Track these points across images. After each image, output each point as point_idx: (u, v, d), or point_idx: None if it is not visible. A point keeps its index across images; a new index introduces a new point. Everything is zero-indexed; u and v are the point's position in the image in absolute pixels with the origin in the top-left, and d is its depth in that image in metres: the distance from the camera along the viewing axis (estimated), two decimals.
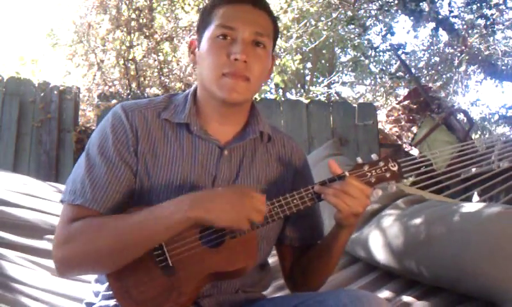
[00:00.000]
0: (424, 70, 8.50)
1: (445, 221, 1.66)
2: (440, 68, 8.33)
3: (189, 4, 6.45)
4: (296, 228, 1.27)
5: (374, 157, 1.17)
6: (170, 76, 6.26)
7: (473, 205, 1.75)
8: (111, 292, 1.11)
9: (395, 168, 1.16)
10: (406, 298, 1.66)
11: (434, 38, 7.93)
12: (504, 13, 6.85)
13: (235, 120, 1.21)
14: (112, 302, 1.12)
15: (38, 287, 1.51)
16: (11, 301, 1.38)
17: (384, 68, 8.04)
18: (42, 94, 4.66)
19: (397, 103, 6.64)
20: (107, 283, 1.13)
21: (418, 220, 1.74)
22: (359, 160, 1.17)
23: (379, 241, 1.84)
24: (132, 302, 1.05)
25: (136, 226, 1.04)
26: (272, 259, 1.34)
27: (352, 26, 6.96)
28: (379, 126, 5.74)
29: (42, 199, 2.14)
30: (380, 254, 1.82)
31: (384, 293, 1.73)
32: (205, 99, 1.18)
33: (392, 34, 6.47)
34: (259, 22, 1.14)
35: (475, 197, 3.81)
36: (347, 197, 1.08)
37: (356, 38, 8.12)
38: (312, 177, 1.31)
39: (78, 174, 1.12)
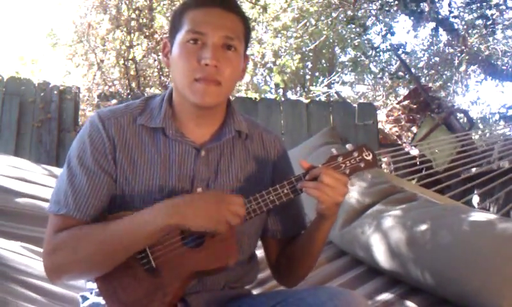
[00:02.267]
0: (424, 70, 8.50)
1: (452, 230, 1.64)
2: (439, 68, 8.33)
3: None
4: (278, 220, 1.30)
5: (348, 147, 1.19)
6: (170, 76, 6.26)
7: (482, 215, 1.72)
8: None
9: (370, 157, 1.18)
10: (390, 296, 1.68)
11: (434, 38, 7.93)
12: (504, 13, 6.85)
13: (211, 121, 1.23)
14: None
15: (37, 276, 1.52)
16: (10, 290, 1.39)
17: (384, 67, 8.03)
18: (42, 94, 4.66)
19: (397, 103, 6.64)
20: None
21: (422, 226, 1.72)
22: (333, 151, 1.19)
23: (379, 243, 1.83)
24: (120, 304, 1.09)
25: (116, 236, 1.07)
26: (259, 251, 1.36)
27: (353, 26, 6.96)
28: (379, 126, 5.73)
29: (42, 186, 2.12)
30: (380, 255, 1.81)
31: (368, 289, 1.74)
32: (180, 101, 1.20)
33: (392, 34, 6.47)
34: (229, 25, 1.15)
35: (475, 196, 3.81)
36: (327, 188, 1.11)
37: (356, 37, 8.12)
38: (292, 169, 1.33)
39: (61, 185, 1.16)
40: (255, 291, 1.41)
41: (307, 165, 1.15)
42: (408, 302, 1.61)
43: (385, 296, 1.68)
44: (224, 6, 1.16)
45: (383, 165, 4.91)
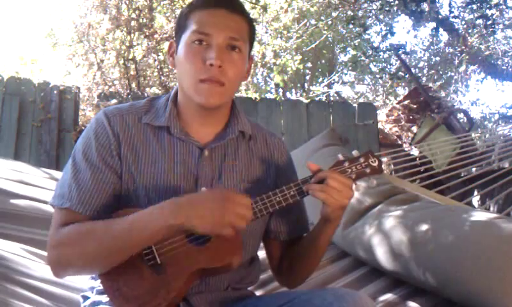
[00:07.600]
0: (424, 70, 8.50)
1: (454, 229, 1.63)
2: (439, 68, 8.33)
3: None
4: (281, 222, 1.31)
5: (354, 153, 1.21)
6: (170, 76, 6.26)
7: (484, 215, 1.71)
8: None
9: (376, 164, 1.21)
10: (393, 296, 1.67)
11: (434, 38, 7.93)
12: (504, 13, 6.84)
13: (215, 121, 1.24)
14: (105, 297, 1.16)
15: (37, 277, 1.52)
16: (10, 292, 1.39)
17: (384, 67, 8.03)
18: (42, 94, 4.65)
19: (397, 103, 6.64)
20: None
21: (424, 226, 1.72)
22: (340, 157, 1.21)
23: (381, 243, 1.83)
24: (123, 300, 1.09)
25: (121, 235, 1.07)
26: (261, 252, 1.36)
27: (352, 26, 6.96)
28: (379, 126, 5.73)
29: (42, 189, 2.11)
30: (382, 256, 1.81)
31: (371, 290, 1.74)
32: (185, 101, 1.22)
33: (392, 34, 6.46)
34: (234, 26, 1.17)
35: (476, 197, 3.81)
36: (333, 191, 1.12)
37: (356, 37, 8.11)
38: (295, 173, 1.34)
39: (65, 179, 1.17)
40: (257, 293, 1.41)
41: (315, 168, 1.17)
42: (412, 303, 1.61)
43: (388, 297, 1.68)
44: (229, 7, 1.18)
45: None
